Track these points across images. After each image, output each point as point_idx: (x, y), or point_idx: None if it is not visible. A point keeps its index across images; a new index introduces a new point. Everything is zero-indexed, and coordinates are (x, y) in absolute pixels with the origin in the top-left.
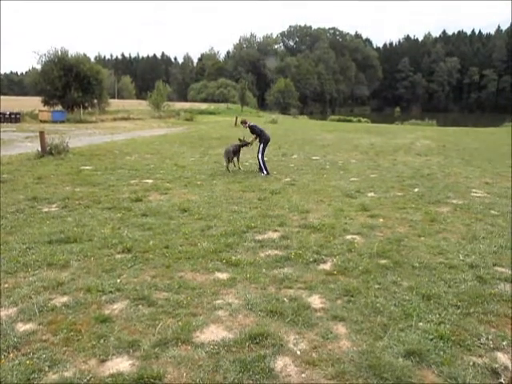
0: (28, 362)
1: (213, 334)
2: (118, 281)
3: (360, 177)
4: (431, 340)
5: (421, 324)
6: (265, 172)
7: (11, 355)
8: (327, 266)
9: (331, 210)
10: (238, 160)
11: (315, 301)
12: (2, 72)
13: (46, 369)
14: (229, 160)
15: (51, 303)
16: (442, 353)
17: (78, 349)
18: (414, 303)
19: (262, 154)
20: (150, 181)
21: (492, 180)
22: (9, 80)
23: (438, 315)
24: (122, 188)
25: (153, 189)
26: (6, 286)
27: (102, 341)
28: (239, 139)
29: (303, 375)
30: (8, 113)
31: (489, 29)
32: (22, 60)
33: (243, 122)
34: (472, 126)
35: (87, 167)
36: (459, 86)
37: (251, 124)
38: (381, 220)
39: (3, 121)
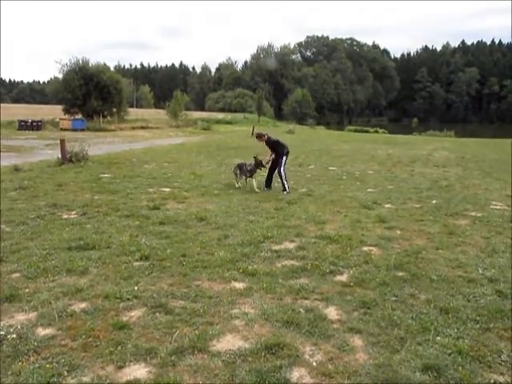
0: (48, 365)
1: (229, 343)
2: (136, 288)
3: (377, 188)
4: (449, 355)
5: (439, 338)
6: (287, 189)
7: (31, 358)
8: (344, 278)
9: (348, 221)
10: (249, 177)
11: (331, 312)
12: (26, 81)
13: (65, 373)
14: (236, 175)
15: (70, 309)
16: (460, 368)
17: (96, 354)
18: (431, 317)
19: (283, 168)
20: (167, 189)
21: None
22: (31, 89)
23: (456, 330)
24: (140, 196)
25: (170, 197)
26: (27, 290)
27: (119, 347)
28: (254, 157)
29: None
30: (30, 120)
31: (509, 39)
32: (45, 69)
33: (259, 136)
34: (492, 137)
35: (106, 175)
36: (478, 97)
37: (271, 139)
38: (398, 232)
39: (25, 128)
